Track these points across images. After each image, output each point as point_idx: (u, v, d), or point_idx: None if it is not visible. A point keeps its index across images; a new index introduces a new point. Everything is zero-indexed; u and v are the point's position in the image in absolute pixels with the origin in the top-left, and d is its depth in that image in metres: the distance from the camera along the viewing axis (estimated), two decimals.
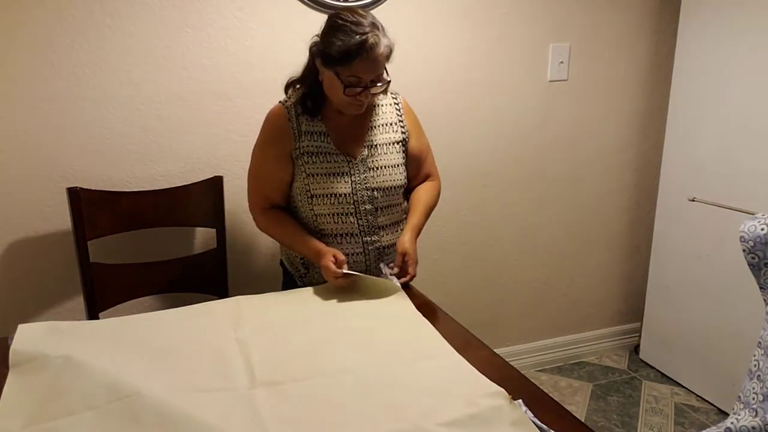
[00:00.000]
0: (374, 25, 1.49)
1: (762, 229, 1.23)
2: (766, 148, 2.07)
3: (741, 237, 1.26)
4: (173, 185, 1.98)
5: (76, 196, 1.78)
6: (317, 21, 2.01)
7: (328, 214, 1.64)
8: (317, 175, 1.61)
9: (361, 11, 1.52)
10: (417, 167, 1.75)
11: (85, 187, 1.82)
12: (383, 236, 1.70)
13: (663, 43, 2.52)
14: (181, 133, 1.99)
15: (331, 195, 1.61)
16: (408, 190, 1.78)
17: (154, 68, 1.91)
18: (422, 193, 1.77)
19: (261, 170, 1.68)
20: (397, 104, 1.72)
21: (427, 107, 2.19)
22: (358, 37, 1.45)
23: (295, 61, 2.02)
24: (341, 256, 1.57)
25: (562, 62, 2.38)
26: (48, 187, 1.89)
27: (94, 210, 1.82)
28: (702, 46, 2.27)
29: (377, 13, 2.07)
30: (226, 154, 2.05)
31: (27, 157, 1.86)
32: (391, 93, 1.72)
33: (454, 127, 2.31)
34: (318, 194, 1.62)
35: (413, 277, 1.65)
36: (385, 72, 1.55)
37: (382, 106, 1.69)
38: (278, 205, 1.70)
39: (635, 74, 2.53)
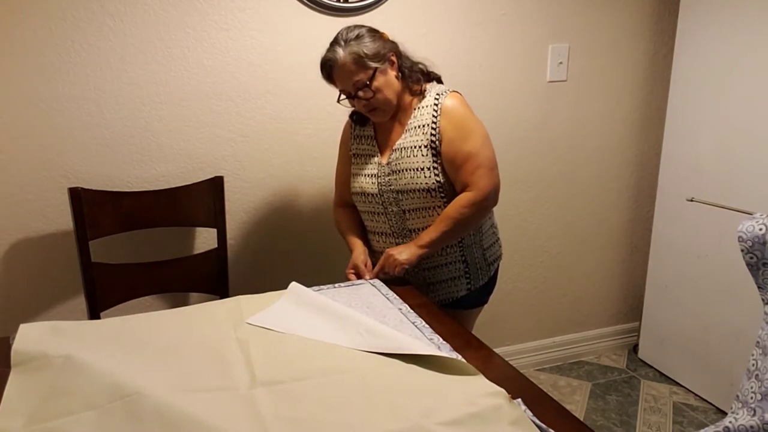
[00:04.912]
0: (336, 40, 1.59)
1: (760, 229, 1.24)
2: (764, 148, 2.08)
3: (739, 237, 1.27)
4: (174, 185, 1.98)
5: (77, 196, 1.79)
6: (317, 22, 2.03)
7: (365, 212, 1.78)
8: (356, 175, 1.76)
9: (344, 28, 1.61)
10: (452, 173, 1.63)
11: (86, 187, 1.82)
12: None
13: (662, 44, 2.52)
14: (181, 133, 1.99)
15: (362, 194, 1.74)
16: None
17: (154, 68, 1.92)
18: (445, 209, 1.65)
19: (336, 168, 1.88)
20: (436, 105, 1.62)
21: None
22: (323, 56, 1.60)
23: (296, 61, 2.05)
24: (361, 269, 1.68)
25: (561, 63, 2.39)
26: (49, 187, 1.89)
27: (95, 210, 1.83)
28: (701, 46, 2.28)
29: (377, 14, 2.07)
30: (226, 154, 2.06)
31: (28, 158, 1.86)
32: (439, 93, 1.64)
33: None
34: (355, 192, 1.76)
35: (393, 272, 1.63)
36: (367, 77, 1.57)
37: (423, 108, 1.64)
38: (348, 201, 1.84)
39: (634, 74, 2.53)
